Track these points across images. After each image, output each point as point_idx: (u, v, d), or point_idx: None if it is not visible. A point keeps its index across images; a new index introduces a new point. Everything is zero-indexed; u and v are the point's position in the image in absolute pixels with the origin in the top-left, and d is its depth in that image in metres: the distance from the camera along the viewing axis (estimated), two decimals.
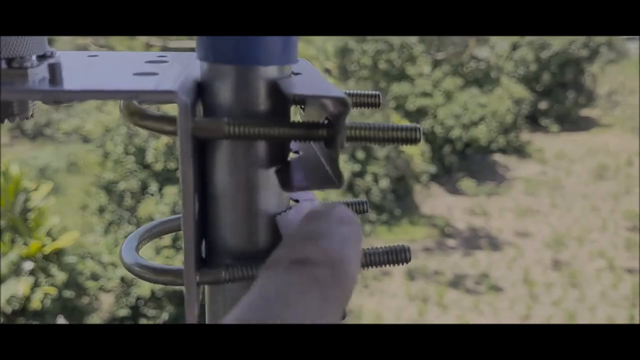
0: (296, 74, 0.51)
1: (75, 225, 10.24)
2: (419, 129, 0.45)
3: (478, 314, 10.37)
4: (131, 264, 0.51)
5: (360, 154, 12.92)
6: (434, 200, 14.26)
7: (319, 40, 18.09)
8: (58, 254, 8.46)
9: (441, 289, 10.87)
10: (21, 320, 7.65)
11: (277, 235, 0.48)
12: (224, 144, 0.46)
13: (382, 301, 10.87)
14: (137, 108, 0.48)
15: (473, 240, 12.76)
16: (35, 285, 7.98)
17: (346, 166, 12.70)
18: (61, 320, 7.30)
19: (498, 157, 16.75)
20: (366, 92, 0.54)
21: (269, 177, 0.47)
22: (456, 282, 11.17)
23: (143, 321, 9.28)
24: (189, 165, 0.42)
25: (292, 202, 0.52)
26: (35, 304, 7.77)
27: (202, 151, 0.47)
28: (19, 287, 7.67)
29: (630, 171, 16.59)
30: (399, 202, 13.33)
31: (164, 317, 9.27)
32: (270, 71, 0.46)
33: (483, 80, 16.89)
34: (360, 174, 12.86)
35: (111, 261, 9.43)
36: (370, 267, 0.48)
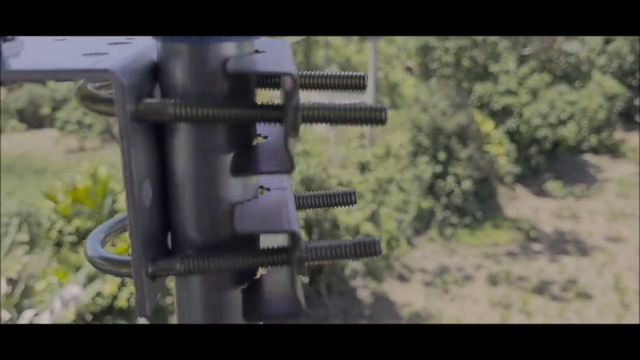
0: (260, 52, 0.48)
1: None
2: (384, 108, 0.43)
3: (564, 322, 9.93)
4: (93, 256, 0.49)
5: (442, 155, 12.66)
6: (519, 203, 13.78)
7: (400, 38, 17.89)
8: None
9: (525, 295, 10.48)
10: (108, 319, 7.97)
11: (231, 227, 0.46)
12: (180, 129, 0.44)
13: (463, 307, 10.59)
14: (89, 92, 0.46)
15: (560, 245, 12.22)
16: (122, 284, 8.29)
17: (427, 167, 12.48)
18: (142, 319, 7.54)
19: (589, 157, 15.98)
20: (350, 73, 0.51)
21: (239, 165, 0.45)
22: (541, 289, 10.74)
23: None
24: (128, 149, 0.40)
25: (262, 191, 0.51)
26: (122, 302, 8.07)
27: (159, 136, 0.44)
28: (106, 285, 7.99)
29: None
30: (482, 204, 12.96)
31: None
32: (227, 49, 0.43)
33: (573, 75, 16.17)
34: (441, 175, 12.60)
35: None
36: (335, 260, 0.46)
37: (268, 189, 0.51)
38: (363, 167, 11.65)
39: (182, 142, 0.44)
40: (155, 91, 0.45)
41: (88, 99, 0.46)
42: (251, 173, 0.46)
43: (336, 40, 20.22)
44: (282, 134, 0.45)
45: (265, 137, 0.50)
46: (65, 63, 0.41)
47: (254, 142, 0.48)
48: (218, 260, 0.45)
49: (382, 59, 18.56)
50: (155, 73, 0.44)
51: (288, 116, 0.41)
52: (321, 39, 19.50)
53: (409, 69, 21.13)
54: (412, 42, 17.10)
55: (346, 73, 0.51)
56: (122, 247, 8.35)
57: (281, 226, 0.45)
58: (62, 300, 6.24)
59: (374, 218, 10.51)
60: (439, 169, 12.61)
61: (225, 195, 0.46)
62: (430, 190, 12.54)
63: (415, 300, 10.86)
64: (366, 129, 13.62)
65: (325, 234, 10.30)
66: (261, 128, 0.51)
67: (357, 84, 0.50)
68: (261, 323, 0.48)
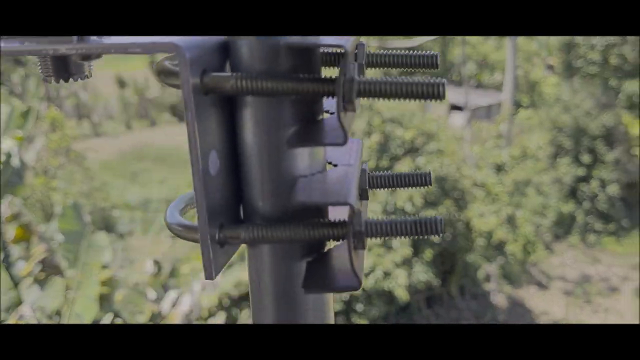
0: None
1: None
2: (443, 83, 0.43)
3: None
4: (171, 223, 0.51)
5: (587, 158, 11.94)
6: None
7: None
8: None
9: None
10: (245, 305, 8.26)
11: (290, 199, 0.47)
12: (248, 102, 0.45)
13: (606, 320, 9.91)
14: (164, 66, 0.48)
15: None
16: None
17: (569, 170, 11.83)
18: None
19: None
20: (421, 52, 0.51)
21: (298, 137, 0.46)
22: None
23: (354, 317, 9.53)
24: (192, 119, 0.42)
25: (329, 167, 0.52)
26: None
27: (229, 110, 0.46)
28: (244, 273, 8.28)
29: None
30: (630, 211, 12.07)
31: (374, 313, 9.42)
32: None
33: None
34: (584, 179, 11.89)
35: None
36: (399, 237, 0.46)
37: (335, 165, 0.52)
38: (499, 168, 11.23)
39: (249, 115, 0.46)
40: (226, 67, 0.47)
41: (162, 73, 0.48)
42: (307, 144, 0.46)
43: (473, 37, 19.76)
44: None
45: (332, 113, 0.51)
46: (137, 40, 0.43)
47: (320, 117, 0.49)
48: (280, 230, 0.46)
49: (522, 56, 17.84)
50: (225, 50, 0.46)
51: (342, 89, 0.42)
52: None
53: (550, 67, 20.15)
54: (554, 39, 16.30)
55: (418, 52, 0.51)
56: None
57: (338, 198, 0.45)
58: (202, 283, 6.54)
59: (510, 221, 10.11)
60: (582, 172, 11.92)
61: (290, 167, 0.47)
62: (572, 194, 11.87)
63: (553, 309, 10.31)
64: (503, 128, 13.14)
65: (458, 234, 10.06)
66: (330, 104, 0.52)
67: (429, 63, 0.51)
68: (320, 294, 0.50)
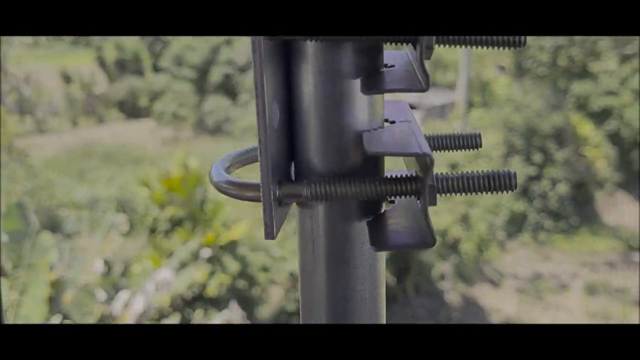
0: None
1: (247, 218, 10.66)
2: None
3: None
4: (219, 181, 0.50)
5: (538, 157, 12.16)
6: (620, 210, 13.05)
7: None
8: (232, 244, 8.82)
9: (626, 308, 9.88)
10: (199, 305, 8.06)
11: (364, 154, 0.45)
12: (309, 51, 0.44)
13: (556, 317, 10.10)
14: None
15: None
16: (212, 273, 8.38)
17: (521, 169, 12.02)
18: (234, 306, 7.57)
19: None
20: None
21: (358, 90, 0.45)
22: None
23: None
24: (260, 64, 0.40)
25: (386, 124, 0.50)
26: (212, 291, 8.15)
27: (287, 58, 0.45)
28: (197, 274, 8.09)
29: None
30: (579, 209, 12.36)
31: None
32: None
33: None
34: (536, 178, 12.10)
35: (282, 255, 9.68)
36: (468, 193, 0.44)
37: (393, 122, 0.50)
38: (453, 167, 11.31)
39: (310, 65, 0.44)
40: None
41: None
42: (383, 91, 0.45)
43: None
44: (411, 60, 0.46)
45: (392, 66, 0.49)
46: None
47: (382, 69, 0.48)
48: (346, 186, 0.44)
49: (474, 56, 18.09)
50: None
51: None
52: None
53: (501, 68, 20.50)
54: None
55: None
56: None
57: (414, 149, 0.43)
58: (155, 284, 6.35)
59: (464, 220, 10.20)
60: (533, 171, 12.12)
61: (352, 121, 0.46)
62: (524, 193, 12.06)
63: (505, 306, 10.45)
64: (457, 126, 13.26)
65: None
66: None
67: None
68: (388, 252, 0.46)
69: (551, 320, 10.00)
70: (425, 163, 0.42)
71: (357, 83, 0.45)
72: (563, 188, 11.90)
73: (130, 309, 5.52)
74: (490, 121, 13.86)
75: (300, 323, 0.52)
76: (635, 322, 9.63)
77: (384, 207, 0.50)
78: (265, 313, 9.57)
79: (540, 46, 15.05)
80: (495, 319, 10.18)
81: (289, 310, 9.58)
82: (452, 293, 10.41)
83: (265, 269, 9.37)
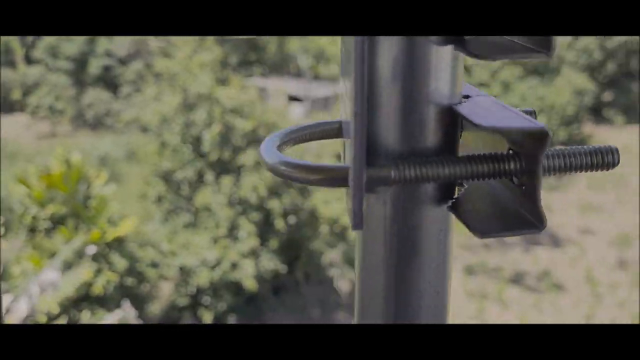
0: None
1: (135, 214, 10.39)
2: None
3: (539, 313, 10.08)
4: (275, 163, 0.44)
5: None
6: None
7: None
8: (119, 241, 8.57)
9: (501, 285, 10.60)
10: (84, 306, 7.78)
11: (451, 130, 0.42)
12: None
13: None
14: None
15: (534, 237, 12.40)
16: (98, 271, 8.10)
17: None
18: (127, 305, 7.39)
19: None
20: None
21: (441, 59, 0.41)
22: (517, 279, 10.88)
23: (201, 310, 9.35)
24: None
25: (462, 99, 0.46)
26: (98, 289, 7.89)
27: None
28: (82, 273, 7.80)
29: None
30: None
31: (222, 306, 9.32)
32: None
33: (543, 70, 16.42)
34: None
35: (170, 250, 9.53)
36: (570, 172, 0.42)
37: (467, 96, 0.46)
38: (339, 156, 11.57)
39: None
40: None
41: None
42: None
43: None
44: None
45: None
46: None
47: None
48: (438, 167, 0.40)
49: None
50: None
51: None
52: None
53: None
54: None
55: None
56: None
57: (529, 123, 0.39)
58: (39, 285, 6.06)
59: None
60: None
61: (434, 96, 0.41)
62: None
63: None
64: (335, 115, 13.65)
65: (303, 223, 10.25)
66: None
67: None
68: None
69: None
70: (540, 138, 0.39)
71: (441, 50, 0.41)
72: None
73: (13, 313, 5.24)
74: None
75: (357, 323, 0.49)
76: (510, 298, 10.36)
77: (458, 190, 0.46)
78: (155, 309, 9.40)
79: None
80: None
81: (180, 305, 9.46)
82: (342, 280, 10.70)
83: (154, 265, 9.19)
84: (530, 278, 10.98)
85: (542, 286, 10.78)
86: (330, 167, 0.42)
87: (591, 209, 13.50)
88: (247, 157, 9.98)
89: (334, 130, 0.52)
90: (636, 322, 9.99)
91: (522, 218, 0.40)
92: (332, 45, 20.67)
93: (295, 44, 20.12)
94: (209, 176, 10.26)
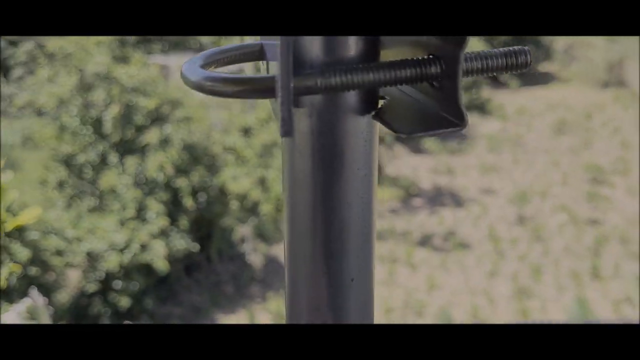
0: None
1: (35, 201, 9.97)
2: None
3: (446, 272, 10.53)
4: (199, 80, 0.43)
5: None
6: (399, 161, 14.31)
7: None
8: (20, 230, 8.23)
9: (409, 248, 10.97)
10: None
11: (373, 39, 0.42)
12: None
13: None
14: None
15: (438, 199, 12.88)
16: None
17: None
18: (34, 293, 7.12)
19: None
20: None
21: None
22: (424, 241, 11.29)
23: (112, 295, 9.16)
24: None
25: None
26: (1, 282, 7.56)
27: None
28: None
29: (589, 125, 16.89)
30: None
31: (133, 288, 9.16)
32: None
33: None
34: None
35: (76, 236, 9.25)
36: (487, 73, 0.43)
37: None
38: (247, 132, 11.53)
39: None
40: None
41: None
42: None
43: None
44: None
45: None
46: None
47: None
48: (364, 74, 0.41)
49: None
50: None
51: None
52: None
53: None
54: None
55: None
56: None
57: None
58: None
59: (261, 182, 10.50)
60: None
61: None
62: None
63: None
64: None
65: (213, 200, 10.18)
66: None
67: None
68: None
69: None
70: (459, 42, 0.40)
71: None
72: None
73: None
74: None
75: (285, 247, 0.49)
76: (418, 260, 10.74)
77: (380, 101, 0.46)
78: (63, 298, 9.12)
79: None
80: None
81: (89, 291, 9.23)
82: (254, 254, 10.74)
83: (59, 252, 8.90)
84: (437, 239, 11.42)
85: (448, 246, 11.24)
86: (256, 78, 0.42)
87: (491, 170, 14.13)
88: (151, 136, 9.78)
89: (255, 53, 0.52)
90: (535, 273, 10.63)
91: (445, 119, 0.42)
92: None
93: None
94: (113, 157, 9.98)
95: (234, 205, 10.20)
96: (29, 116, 14.97)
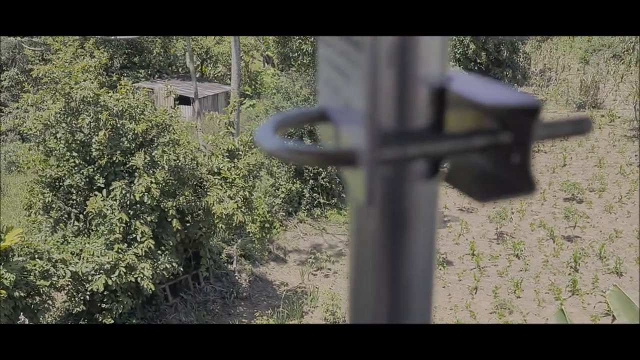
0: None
1: (20, 225, 10.04)
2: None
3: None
4: (279, 150, 0.44)
5: (307, 139, 13.04)
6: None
7: None
8: (5, 254, 8.29)
9: None
10: None
11: (441, 109, 0.44)
12: None
13: (336, 282, 11.06)
14: None
15: None
16: None
17: None
18: (22, 319, 7.16)
19: None
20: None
21: (430, 46, 0.43)
22: None
23: (98, 316, 9.20)
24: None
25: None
26: None
27: None
28: None
29: (566, 144, 17.33)
30: (346, 185, 13.56)
31: (119, 309, 9.20)
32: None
33: None
34: None
35: (61, 258, 9.29)
36: (551, 139, 0.44)
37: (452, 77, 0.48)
38: (232, 155, 11.71)
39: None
40: None
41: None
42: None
43: None
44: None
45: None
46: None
47: None
48: (438, 143, 0.42)
49: (242, 49, 18.66)
50: None
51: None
52: None
53: (268, 59, 21.38)
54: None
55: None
56: None
57: (525, 99, 0.42)
58: None
59: (246, 204, 10.62)
60: None
61: (425, 77, 0.43)
62: (299, 174, 12.90)
63: (291, 279, 11.16)
64: (233, 117, 13.70)
65: (199, 220, 10.29)
66: None
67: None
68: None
69: (332, 285, 10.91)
70: (533, 112, 0.41)
71: (430, 39, 0.43)
72: (333, 167, 12.97)
73: None
74: (264, 108, 14.53)
75: (348, 294, 0.49)
76: None
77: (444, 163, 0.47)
78: (51, 320, 9.14)
79: (304, 37, 15.96)
80: (282, 291, 10.83)
81: (76, 311, 9.26)
82: (242, 274, 10.84)
83: (44, 275, 8.93)
84: None
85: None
86: (335, 151, 0.44)
87: None
88: (138, 159, 9.89)
89: (319, 117, 0.53)
90: (516, 288, 10.85)
91: (514, 185, 0.42)
92: (217, 46, 20.66)
93: (180, 44, 19.95)
94: (99, 181, 10.07)
95: (220, 226, 10.32)
96: (13, 141, 15.02)
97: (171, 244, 9.84)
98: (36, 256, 9.09)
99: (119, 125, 10.01)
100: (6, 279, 8.03)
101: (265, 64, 20.85)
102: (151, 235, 9.58)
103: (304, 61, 16.23)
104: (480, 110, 0.43)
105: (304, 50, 16.22)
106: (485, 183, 0.44)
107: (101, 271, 9.17)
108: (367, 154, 0.39)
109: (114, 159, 10.04)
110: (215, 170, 10.77)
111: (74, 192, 10.25)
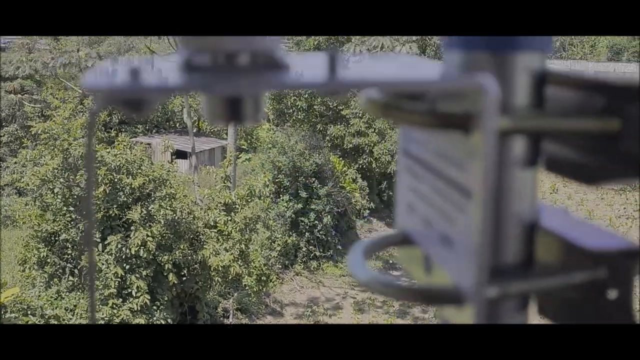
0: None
1: (15, 281, 9.98)
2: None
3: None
4: (373, 282, 0.45)
5: (304, 193, 13.15)
6: (376, 234, 14.55)
7: None
8: None
9: (390, 319, 11.08)
10: None
11: (529, 247, 0.44)
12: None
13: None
14: (394, 102, 0.45)
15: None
16: None
17: (289, 205, 12.87)
18: None
19: None
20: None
21: (523, 179, 0.43)
22: (404, 313, 11.42)
23: None
24: (489, 162, 0.38)
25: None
26: None
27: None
28: None
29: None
30: (342, 237, 13.59)
31: None
32: (533, 60, 0.43)
33: None
34: (304, 212, 13.06)
35: (54, 314, 9.21)
36: None
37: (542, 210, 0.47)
38: (229, 208, 11.75)
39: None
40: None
41: (394, 109, 0.44)
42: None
43: None
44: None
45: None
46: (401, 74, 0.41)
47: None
48: (537, 281, 0.43)
49: None
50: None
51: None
52: None
53: (263, 114, 21.58)
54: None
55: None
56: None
57: (619, 242, 0.42)
58: None
59: (243, 257, 10.61)
60: (300, 206, 13.06)
61: (519, 214, 0.43)
62: (295, 226, 12.94)
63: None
64: (229, 171, 13.79)
65: (195, 274, 10.26)
66: None
67: None
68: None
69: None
70: (634, 256, 0.41)
71: (523, 174, 0.43)
72: (327, 219, 13.00)
73: None
74: (260, 163, 14.68)
75: None
76: None
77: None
78: None
79: (298, 93, 16.25)
80: None
81: None
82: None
83: None
84: (417, 310, 11.56)
85: (430, 316, 11.38)
86: (437, 289, 0.45)
87: None
88: (135, 213, 9.92)
89: (400, 239, 0.54)
90: None
91: (611, 318, 0.42)
92: None
93: (178, 100, 20.25)
94: (95, 235, 10.06)
95: (217, 279, 10.29)
96: (9, 195, 15.03)
97: (166, 298, 9.77)
98: (29, 312, 9.00)
99: (116, 180, 10.08)
100: None
101: (262, 120, 21.04)
102: (147, 290, 9.53)
103: (299, 117, 16.46)
104: (576, 251, 0.43)
105: (299, 107, 16.45)
106: (578, 315, 0.44)
107: None
108: (475, 294, 0.39)
109: (110, 212, 10.07)
110: (212, 224, 10.80)
111: (70, 246, 10.23)
